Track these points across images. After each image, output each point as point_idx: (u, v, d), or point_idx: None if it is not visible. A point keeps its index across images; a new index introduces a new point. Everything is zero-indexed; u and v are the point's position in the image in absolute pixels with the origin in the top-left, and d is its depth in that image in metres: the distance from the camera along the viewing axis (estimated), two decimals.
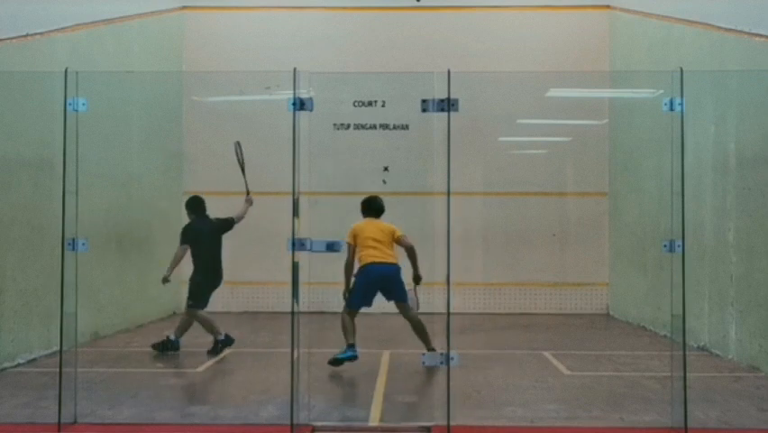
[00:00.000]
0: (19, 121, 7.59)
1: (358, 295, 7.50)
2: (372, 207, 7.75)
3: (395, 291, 7.52)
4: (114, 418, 5.55)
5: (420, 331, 7.43)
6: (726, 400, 6.15)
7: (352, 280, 7.56)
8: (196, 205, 8.46)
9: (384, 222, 7.76)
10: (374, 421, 5.51)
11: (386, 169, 11.79)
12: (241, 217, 8.43)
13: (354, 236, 7.55)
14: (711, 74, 8.22)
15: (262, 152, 12.16)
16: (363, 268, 7.49)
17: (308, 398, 5.55)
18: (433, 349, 7.18)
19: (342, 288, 7.63)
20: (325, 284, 11.59)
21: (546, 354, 8.07)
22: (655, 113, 6.48)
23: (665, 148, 5.53)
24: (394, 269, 7.55)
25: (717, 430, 5.36)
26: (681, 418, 5.16)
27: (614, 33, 12.23)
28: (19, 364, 7.39)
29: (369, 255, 7.48)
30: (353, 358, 7.31)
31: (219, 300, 11.95)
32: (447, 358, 5.23)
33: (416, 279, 7.65)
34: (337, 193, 11.28)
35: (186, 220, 8.48)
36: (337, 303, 12.09)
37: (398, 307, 7.52)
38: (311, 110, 5.30)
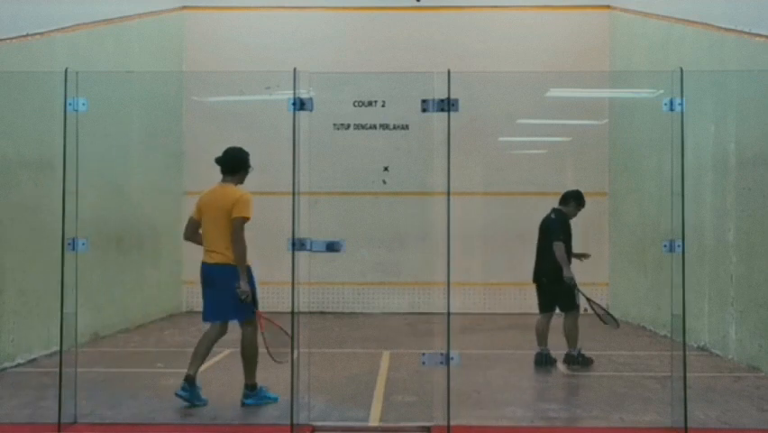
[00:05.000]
0: (19, 121, 7.60)
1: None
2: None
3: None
4: (114, 418, 5.56)
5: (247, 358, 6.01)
6: (726, 400, 6.15)
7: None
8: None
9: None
10: (374, 421, 5.51)
11: (386, 169, 11.79)
12: None
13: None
14: (711, 74, 8.21)
15: (262, 151, 12.17)
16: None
17: (308, 398, 5.55)
18: (253, 385, 5.98)
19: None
20: (325, 284, 11.69)
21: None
22: (655, 113, 6.48)
23: (665, 148, 5.53)
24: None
25: (717, 430, 5.36)
26: (681, 418, 5.16)
27: (614, 33, 12.23)
28: (19, 364, 7.39)
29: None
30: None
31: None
32: (447, 358, 5.23)
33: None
34: (337, 193, 11.30)
35: None
36: (337, 303, 12.14)
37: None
38: (311, 110, 5.30)
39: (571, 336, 7.50)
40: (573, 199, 7.72)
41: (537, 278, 7.74)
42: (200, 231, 6.08)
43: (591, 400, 6.21)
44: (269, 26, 12.54)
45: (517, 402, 6.13)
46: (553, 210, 7.75)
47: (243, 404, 5.90)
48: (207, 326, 6.07)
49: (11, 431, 5.24)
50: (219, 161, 6.11)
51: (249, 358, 5.94)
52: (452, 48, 11.98)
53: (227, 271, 5.82)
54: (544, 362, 7.49)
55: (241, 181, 6.08)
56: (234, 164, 6.06)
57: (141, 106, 10.61)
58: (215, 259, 5.89)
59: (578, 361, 7.42)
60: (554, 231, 7.57)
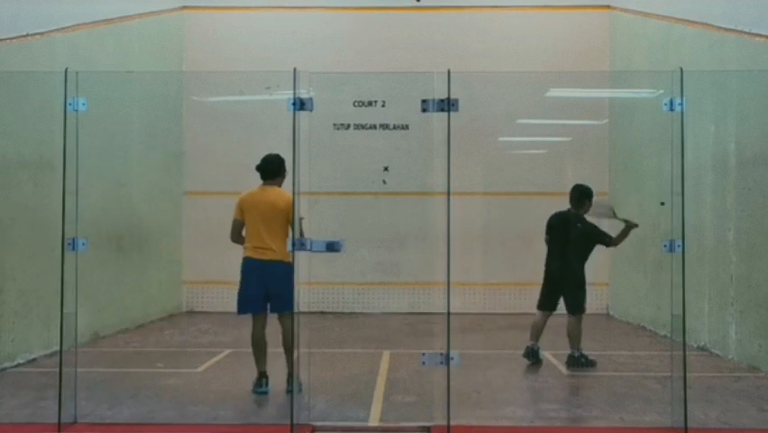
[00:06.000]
0: (19, 121, 7.60)
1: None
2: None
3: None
4: (114, 418, 5.55)
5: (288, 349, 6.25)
6: (726, 400, 6.15)
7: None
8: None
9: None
10: (374, 421, 5.51)
11: (386, 169, 11.79)
12: None
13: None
14: (711, 74, 8.21)
15: (262, 151, 12.18)
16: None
17: (308, 398, 5.55)
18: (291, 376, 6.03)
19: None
20: (325, 284, 11.70)
21: (546, 353, 8.07)
22: (655, 113, 6.48)
23: (665, 148, 5.53)
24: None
25: (717, 430, 5.36)
26: (681, 418, 5.16)
27: (614, 33, 12.22)
28: (19, 364, 7.39)
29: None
30: None
31: (219, 301, 12.03)
32: (447, 358, 5.23)
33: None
34: (337, 193, 11.30)
35: None
36: (337, 303, 12.15)
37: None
38: (311, 110, 5.30)
39: (574, 337, 7.50)
40: (585, 198, 7.70)
41: (559, 277, 7.65)
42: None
43: (591, 400, 6.21)
44: (269, 26, 12.54)
45: (517, 402, 6.13)
46: (576, 217, 7.66)
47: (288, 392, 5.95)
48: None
49: (11, 431, 5.24)
50: (261, 168, 6.39)
51: (291, 349, 6.05)
52: (452, 48, 11.98)
53: (283, 267, 6.09)
54: (531, 356, 7.61)
55: (280, 184, 6.43)
56: (275, 169, 6.38)
57: (141, 106, 10.61)
58: (270, 256, 6.20)
59: (580, 362, 7.42)
60: (600, 233, 7.72)
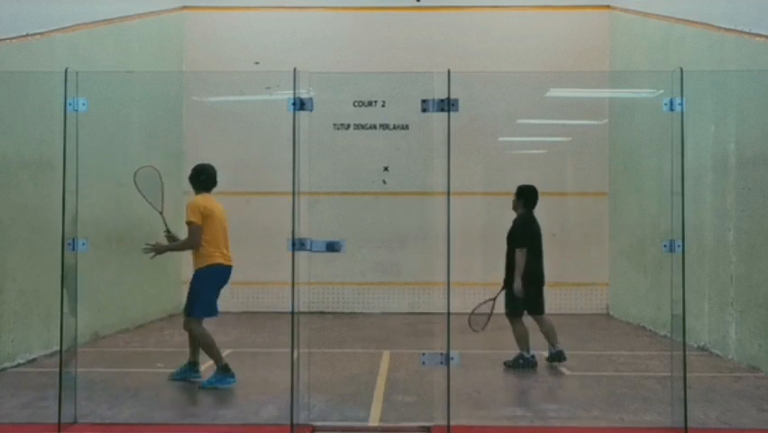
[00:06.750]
0: (19, 121, 7.60)
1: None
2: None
3: None
4: (114, 418, 5.55)
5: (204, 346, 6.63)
6: (726, 400, 6.16)
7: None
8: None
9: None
10: (374, 421, 5.51)
11: (386, 169, 11.79)
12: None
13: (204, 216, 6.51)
14: (711, 74, 8.22)
15: (262, 151, 12.20)
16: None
17: (308, 398, 5.55)
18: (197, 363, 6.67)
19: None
20: (325, 284, 11.69)
21: (546, 354, 8.07)
22: (655, 113, 6.48)
23: (665, 148, 5.53)
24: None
25: (717, 430, 5.36)
26: (681, 418, 5.16)
27: (614, 33, 12.23)
28: (19, 364, 7.39)
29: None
30: None
31: (218, 301, 12.01)
32: (447, 358, 5.23)
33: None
34: (337, 193, 11.30)
35: None
36: (337, 303, 12.15)
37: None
38: (311, 110, 5.30)
39: (553, 333, 7.55)
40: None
41: (540, 281, 7.66)
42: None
43: (591, 400, 6.21)
44: (269, 26, 12.54)
45: (517, 402, 6.13)
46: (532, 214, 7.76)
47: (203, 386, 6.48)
48: (206, 325, 6.57)
49: (11, 431, 5.24)
50: (207, 180, 6.73)
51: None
52: (452, 48, 11.98)
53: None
54: (530, 364, 7.51)
55: None
56: (214, 180, 6.80)
57: (141, 106, 10.61)
58: (231, 261, 6.66)
59: (561, 357, 7.47)
60: None
